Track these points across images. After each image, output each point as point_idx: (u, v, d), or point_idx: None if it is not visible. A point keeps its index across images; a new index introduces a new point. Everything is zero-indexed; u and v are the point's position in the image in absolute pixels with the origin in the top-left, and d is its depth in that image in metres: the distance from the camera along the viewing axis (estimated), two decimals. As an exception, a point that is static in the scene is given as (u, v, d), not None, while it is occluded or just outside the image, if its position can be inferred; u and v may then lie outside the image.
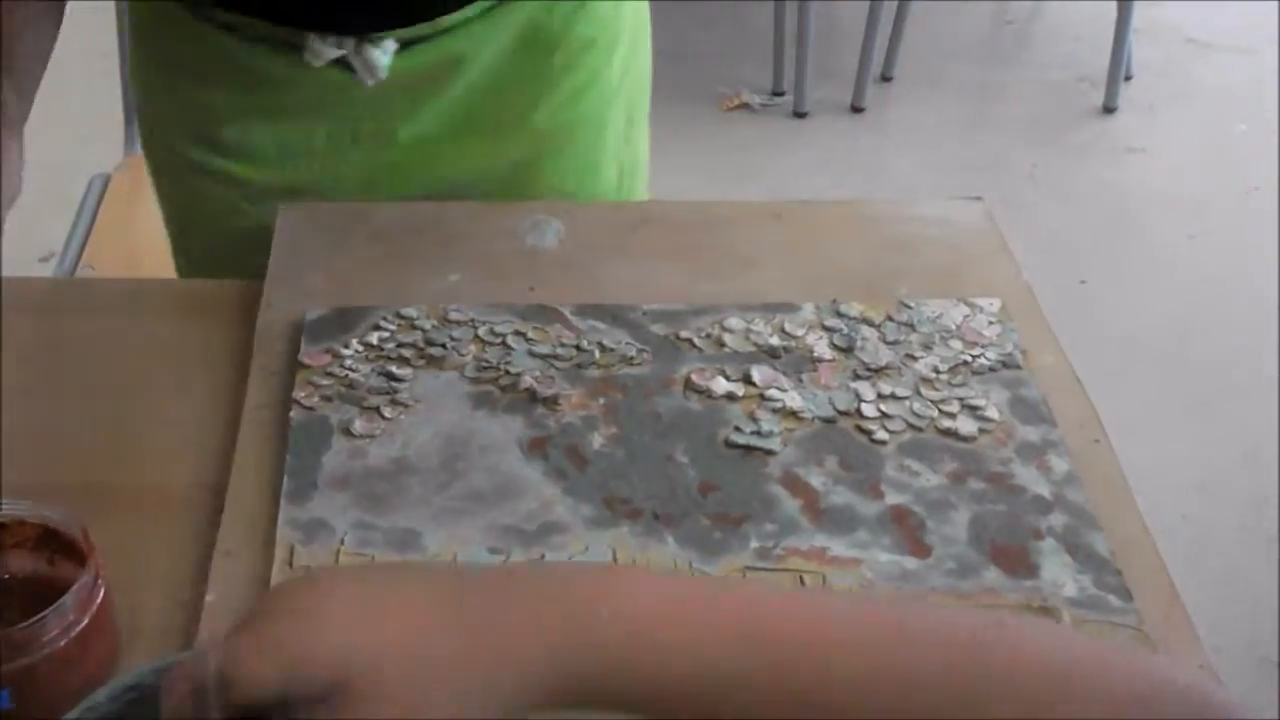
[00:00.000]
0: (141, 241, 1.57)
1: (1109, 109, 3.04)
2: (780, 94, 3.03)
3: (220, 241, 1.12)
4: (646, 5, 1.15)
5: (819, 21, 2.97)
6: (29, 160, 0.80)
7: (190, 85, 1.05)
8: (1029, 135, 2.97)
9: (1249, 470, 2.21)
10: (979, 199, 1.12)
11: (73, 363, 0.95)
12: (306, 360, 0.92)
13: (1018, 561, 0.82)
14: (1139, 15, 3.04)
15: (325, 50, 0.97)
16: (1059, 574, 0.81)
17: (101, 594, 0.75)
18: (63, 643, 0.73)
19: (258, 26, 0.99)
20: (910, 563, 0.81)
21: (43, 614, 0.72)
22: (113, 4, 1.75)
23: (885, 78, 3.10)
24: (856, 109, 3.00)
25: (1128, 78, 3.10)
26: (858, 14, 3.04)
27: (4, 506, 0.77)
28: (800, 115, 2.98)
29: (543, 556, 0.80)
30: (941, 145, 2.92)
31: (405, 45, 1.00)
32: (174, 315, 1.01)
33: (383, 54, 0.98)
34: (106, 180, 1.71)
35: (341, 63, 1.00)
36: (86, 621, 0.74)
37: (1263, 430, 2.28)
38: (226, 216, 1.10)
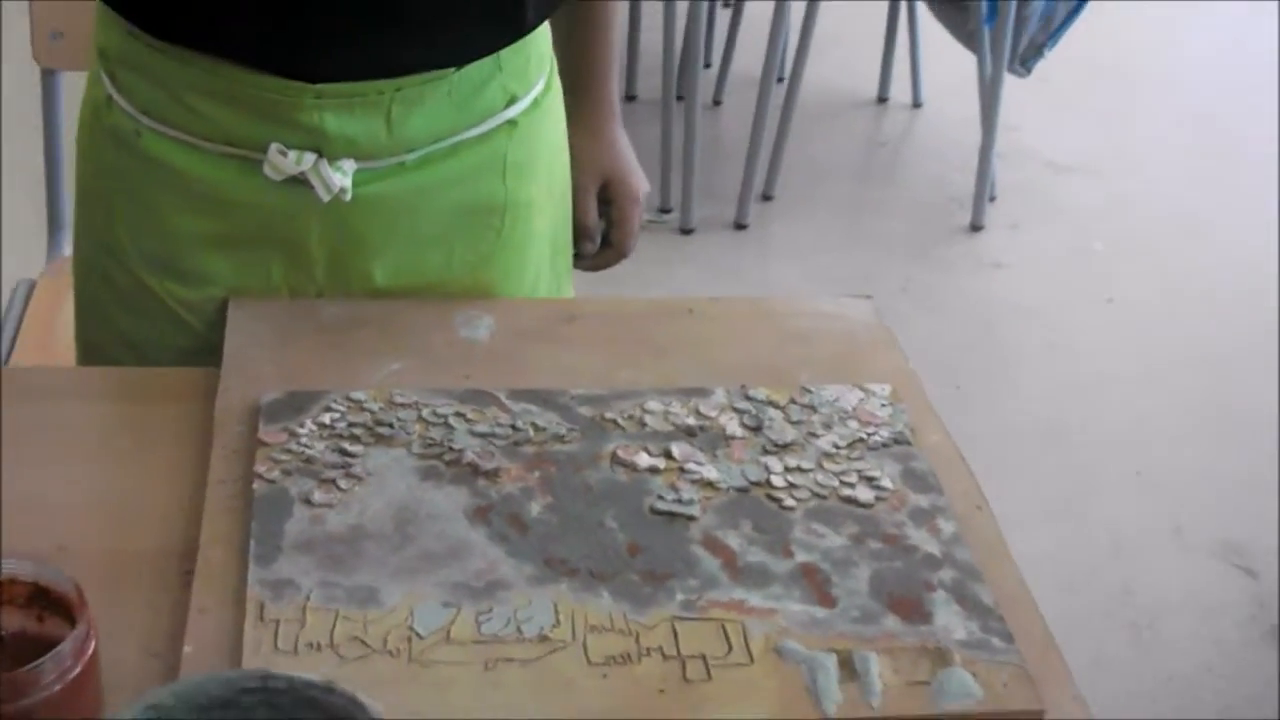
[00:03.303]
0: (67, 346, 1.64)
1: (976, 227, 3.23)
2: (667, 211, 3.17)
3: (153, 350, 1.19)
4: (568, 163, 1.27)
5: (703, 143, 3.13)
6: None
7: (145, 207, 1.12)
8: (902, 251, 3.14)
9: (1114, 562, 2.35)
10: (869, 297, 1.24)
11: (39, 443, 1.02)
12: (265, 438, 1.00)
13: (913, 610, 0.92)
14: (1001, 140, 3.25)
15: (285, 164, 1.06)
16: (950, 621, 0.92)
17: (93, 645, 0.81)
18: (58, 688, 0.79)
19: (221, 121, 1.07)
20: (819, 612, 0.91)
21: (42, 660, 0.78)
22: (39, 117, 1.82)
23: (766, 196, 3.26)
24: (740, 225, 3.16)
25: (992, 198, 3.29)
26: (740, 136, 3.20)
27: (-2, 566, 0.84)
28: (687, 232, 3.12)
29: (490, 610, 0.89)
30: (820, 260, 3.08)
31: (361, 172, 1.09)
32: (131, 400, 1.09)
33: (341, 175, 1.07)
34: (31, 286, 1.77)
35: (299, 182, 1.08)
36: (79, 670, 0.80)
37: (1126, 524, 2.43)
38: (168, 331, 1.17)
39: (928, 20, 3.53)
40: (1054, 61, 3.32)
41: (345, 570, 0.91)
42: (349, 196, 1.08)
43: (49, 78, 1.79)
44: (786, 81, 3.15)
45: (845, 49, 3.80)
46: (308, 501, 0.96)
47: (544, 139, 1.18)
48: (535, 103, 1.16)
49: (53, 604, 0.85)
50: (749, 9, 3.61)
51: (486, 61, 1.09)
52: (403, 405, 1.05)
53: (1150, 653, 2.17)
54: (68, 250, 1.86)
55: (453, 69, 1.08)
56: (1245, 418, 2.71)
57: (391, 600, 0.89)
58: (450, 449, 1.01)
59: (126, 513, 0.97)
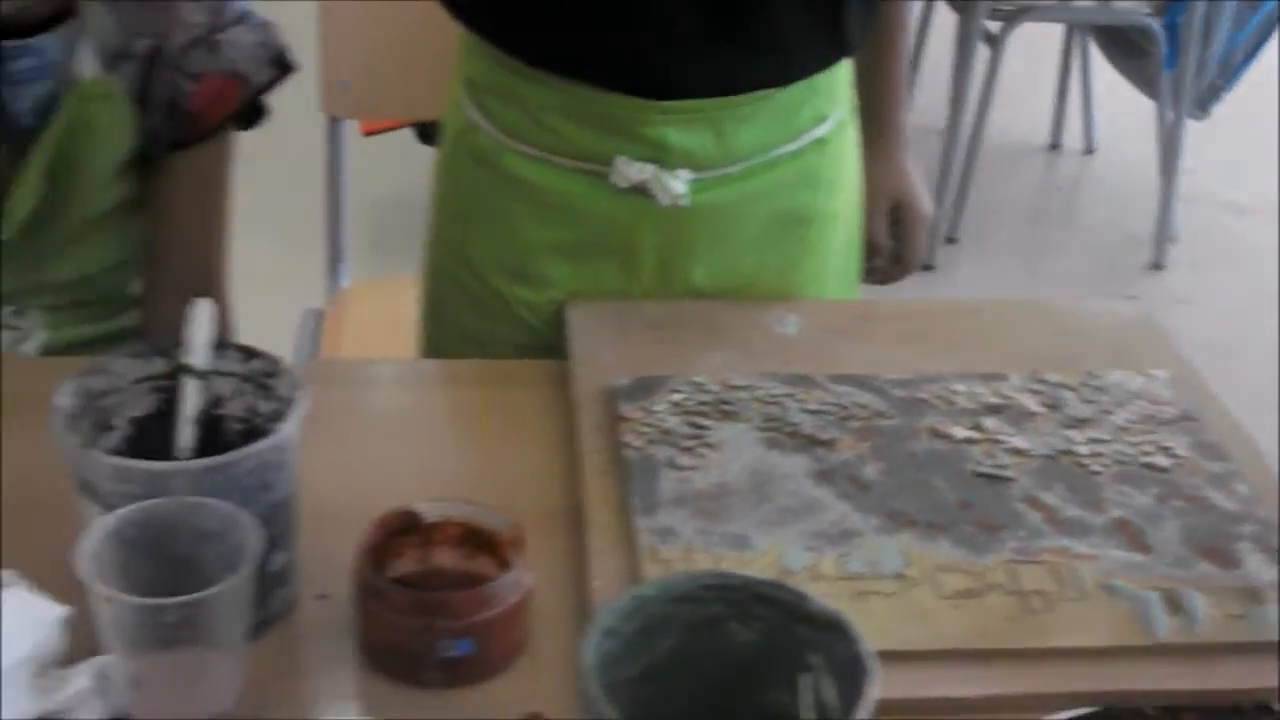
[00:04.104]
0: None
1: (1157, 266, 3.31)
2: (858, 256, 3.30)
3: (495, 347, 1.34)
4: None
5: (889, 188, 3.25)
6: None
7: (500, 219, 1.29)
8: (1086, 290, 3.23)
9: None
10: (1135, 298, 1.35)
11: (430, 422, 1.18)
12: (626, 414, 1.14)
13: (1224, 558, 1.03)
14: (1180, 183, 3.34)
15: (631, 173, 1.21)
16: (1259, 567, 1.02)
17: (530, 576, 0.95)
18: (501, 609, 0.93)
19: (573, 138, 1.22)
20: (1137, 558, 1.02)
21: (495, 582, 0.92)
22: (320, 163, 2.00)
23: (950, 239, 3.37)
24: (927, 267, 3.27)
25: (1173, 239, 3.37)
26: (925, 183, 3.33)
27: (436, 508, 0.98)
28: (878, 273, 3.24)
29: (849, 553, 1.02)
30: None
31: (693, 182, 1.24)
32: (494, 387, 1.23)
33: (679, 183, 1.22)
34: (319, 315, 1.95)
35: (638, 193, 1.23)
36: (519, 597, 0.94)
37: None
38: (509, 329, 1.33)
39: (1098, 67, 3.63)
40: (1226, 101, 3.40)
41: (717, 521, 1.04)
42: (687, 202, 1.23)
43: (334, 126, 1.97)
44: (964, 130, 3.27)
45: (1015, 96, 3.90)
46: (673, 465, 1.09)
47: (845, 157, 1.32)
48: (840, 123, 1.30)
49: (483, 544, 0.99)
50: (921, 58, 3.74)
51: (804, 83, 1.23)
52: (739, 388, 1.18)
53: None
54: (346, 283, 2.05)
55: (778, 88, 1.22)
56: None
57: (762, 545, 1.02)
58: (787, 423, 1.14)
59: (511, 477, 1.12)
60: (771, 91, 1.22)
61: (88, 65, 1.21)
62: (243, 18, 1.28)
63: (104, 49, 1.22)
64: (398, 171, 3.16)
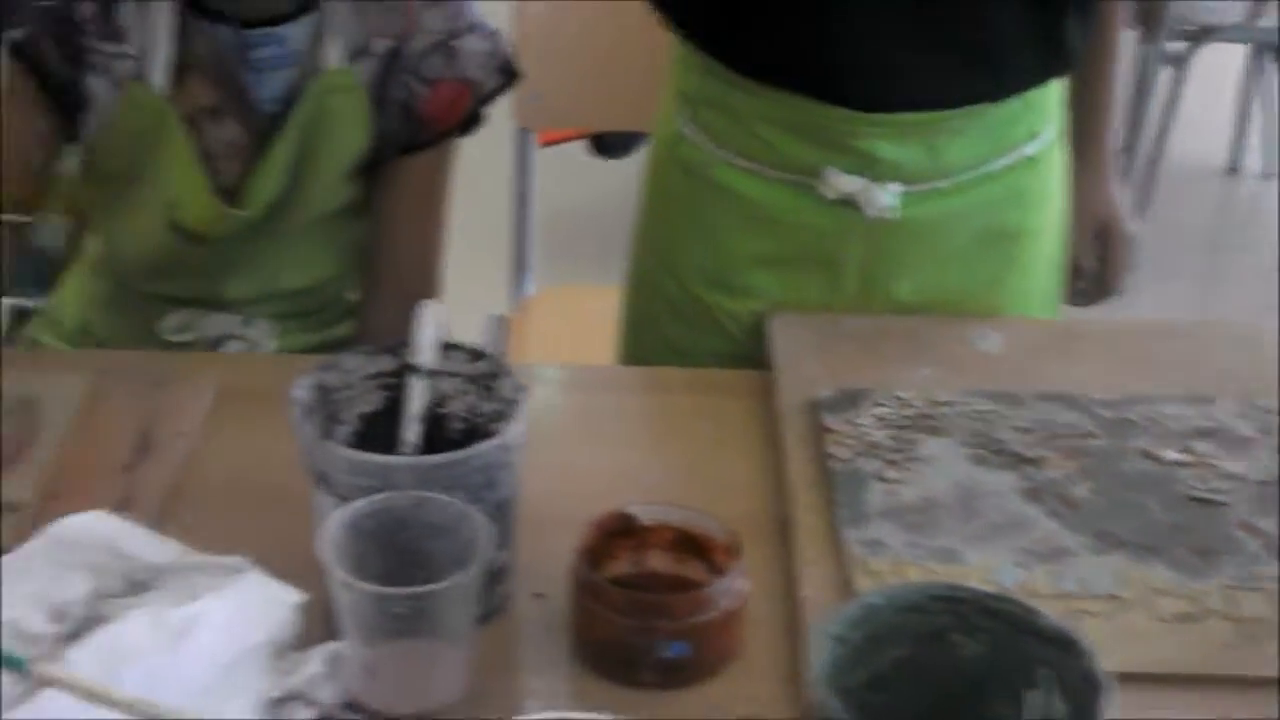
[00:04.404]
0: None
1: (1342, 295, 3.21)
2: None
3: (694, 355, 1.36)
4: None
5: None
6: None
7: (707, 228, 1.31)
8: (1266, 317, 3.14)
9: None
10: (1344, 325, 1.32)
11: (639, 426, 1.20)
12: (831, 426, 1.15)
13: None
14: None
15: (841, 184, 1.22)
16: None
17: (747, 584, 0.96)
18: (725, 609, 0.94)
19: (783, 149, 1.24)
20: (1364, 589, 1.00)
21: (717, 583, 0.93)
22: (500, 171, 2.04)
23: (1126, 264, 3.31)
24: (1104, 290, 3.22)
25: (1357, 264, 3.27)
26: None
27: (651, 512, 1.00)
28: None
29: (1060, 571, 1.01)
30: (1189, 323, 3.12)
31: (902, 195, 1.25)
32: (698, 394, 1.25)
33: (888, 195, 1.23)
34: (503, 321, 1.98)
35: (845, 205, 1.24)
36: (737, 599, 0.95)
37: None
38: (709, 338, 1.34)
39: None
40: None
41: (925, 534, 1.04)
42: (895, 215, 1.23)
43: (524, 136, 2.01)
44: (1143, 152, 3.21)
45: (1192, 118, 3.82)
46: (881, 478, 1.10)
47: (1053, 175, 1.32)
48: (1051, 142, 1.29)
49: (694, 549, 1.00)
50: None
51: (1018, 99, 1.23)
52: (944, 403, 1.18)
53: None
54: (532, 290, 2.08)
55: (992, 103, 1.22)
56: None
57: (972, 560, 1.02)
58: (994, 439, 1.14)
59: (716, 484, 1.13)
60: (985, 106, 1.22)
61: (333, 57, 1.26)
62: (476, 25, 1.32)
63: (346, 45, 1.26)
64: (569, 184, 3.20)
